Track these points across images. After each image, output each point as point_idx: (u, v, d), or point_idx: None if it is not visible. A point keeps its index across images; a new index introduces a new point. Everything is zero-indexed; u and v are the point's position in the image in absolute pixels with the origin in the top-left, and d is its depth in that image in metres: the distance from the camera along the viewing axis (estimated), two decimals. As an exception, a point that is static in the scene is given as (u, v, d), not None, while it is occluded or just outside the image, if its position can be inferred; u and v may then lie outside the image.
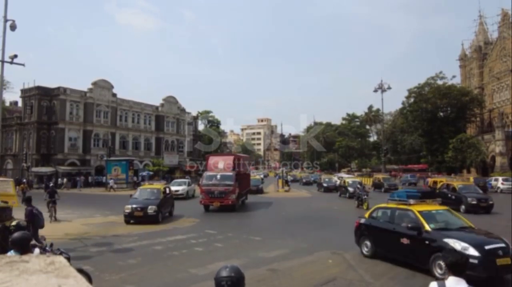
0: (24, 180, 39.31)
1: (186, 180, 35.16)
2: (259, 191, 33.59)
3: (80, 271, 6.96)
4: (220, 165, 21.84)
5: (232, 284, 2.65)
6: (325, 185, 37.77)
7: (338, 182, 37.33)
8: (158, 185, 19.77)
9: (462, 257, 3.35)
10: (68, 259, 6.50)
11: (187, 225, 16.46)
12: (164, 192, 18.50)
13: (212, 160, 22.88)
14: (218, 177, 20.59)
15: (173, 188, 25.07)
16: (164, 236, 13.60)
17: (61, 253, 6.53)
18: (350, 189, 27.93)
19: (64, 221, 17.27)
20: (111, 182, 39.65)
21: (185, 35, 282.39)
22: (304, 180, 52.82)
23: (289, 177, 46.94)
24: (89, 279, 6.85)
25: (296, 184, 51.65)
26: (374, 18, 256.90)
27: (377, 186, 37.98)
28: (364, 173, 64.25)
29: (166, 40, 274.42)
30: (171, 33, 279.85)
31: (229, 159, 22.63)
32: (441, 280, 3.42)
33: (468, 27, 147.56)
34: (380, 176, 41.72)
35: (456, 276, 3.28)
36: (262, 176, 53.96)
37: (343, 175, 49.21)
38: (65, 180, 43.40)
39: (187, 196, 29.52)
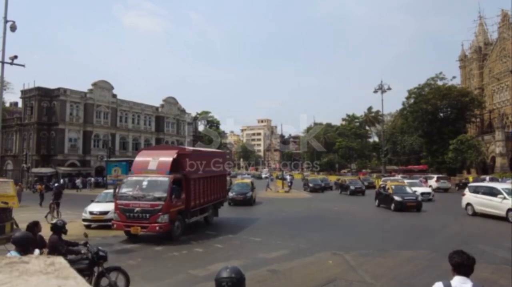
0: (25, 181, 39.32)
1: None
2: (247, 202, 24.20)
3: (118, 269, 7.24)
4: (152, 164, 13.82)
5: (232, 285, 2.65)
6: (352, 187, 32.95)
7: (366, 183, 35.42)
8: None
9: (469, 257, 3.37)
10: (106, 255, 6.95)
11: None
12: None
13: (142, 156, 14.76)
14: (144, 184, 13.13)
15: None
16: (164, 236, 13.57)
17: (98, 251, 6.89)
18: (397, 198, 21.15)
19: (64, 221, 17.19)
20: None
21: (186, 36, 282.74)
22: (311, 184, 39.15)
23: (288, 177, 42.45)
24: (127, 277, 7.21)
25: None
26: (374, 19, 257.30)
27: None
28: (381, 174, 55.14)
29: (166, 41, 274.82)
30: (172, 34, 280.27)
31: (167, 155, 14.20)
32: (446, 279, 3.43)
33: (468, 28, 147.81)
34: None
35: (462, 276, 3.32)
36: (264, 177, 50.86)
37: (389, 177, 40.33)
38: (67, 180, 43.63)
39: None
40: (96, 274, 6.92)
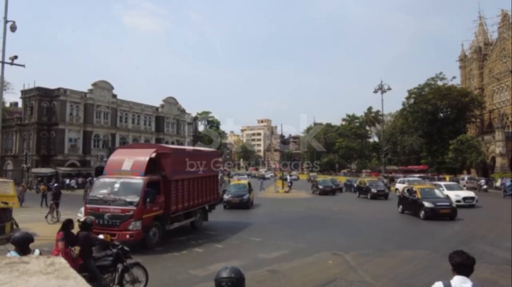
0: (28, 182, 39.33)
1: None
2: (244, 205, 22.34)
3: (138, 264, 7.49)
4: (126, 164, 12.44)
5: (232, 285, 2.66)
6: (373, 190, 29.38)
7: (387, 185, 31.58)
8: None
9: (469, 258, 3.38)
10: (128, 252, 7.29)
11: (187, 226, 16.42)
12: None
13: (116, 155, 13.43)
14: (116, 186, 11.89)
15: None
16: (164, 236, 13.57)
17: (122, 248, 7.28)
18: (427, 204, 17.81)
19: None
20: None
21: (186, 36, 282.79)
22: (321, 186, 34.39)
23: (288, 177, 42.24)
24: (146, 272, 7.54)
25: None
26: (374, 19, 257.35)
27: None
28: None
29: (166, 41, 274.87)
30: (172, 34, 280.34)
31: (144, 154, 12.76)
32: (446, 279, 3.45)
33: (468, 28, 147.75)
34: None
35: (462, 276, 3.34)
36: (263, 178, 50.14)
37: (406, 178, 36.94)
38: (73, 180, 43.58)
39: None
40: (120, 269, 7.24)
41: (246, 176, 57.63)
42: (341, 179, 49.30)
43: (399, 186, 32.57)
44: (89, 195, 12.37)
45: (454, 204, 18.89)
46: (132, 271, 7.36)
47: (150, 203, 11.62)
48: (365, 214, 20.45)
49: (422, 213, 17.92)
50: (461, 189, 26.54)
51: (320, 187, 34.07)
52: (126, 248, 7.41)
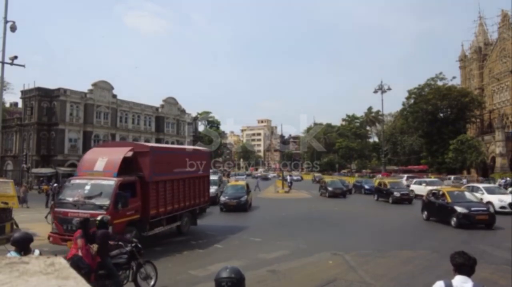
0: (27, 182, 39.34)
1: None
2: (241, 207, 21.09)
3: (148, 261, 7.75)
4: (99, 164, 11.40)
5: (232, 285, 2.66)
6: (396, 194, 25.63)
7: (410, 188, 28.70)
8: None
9: (470, 258, 3.40)
10: (141, 249, 7.61)
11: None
12: None
13: (90, 154, 12.51)
14: (86, 188, 11.00)
15: None
16: (164, 237, 13.58)
17: (135, 245, 7.59)
18: (460, 209, 15.42)
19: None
20: None
21: (186, 36, 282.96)
22: (330, 188, 31.28)
23: (288, 177, 41.69)
24: (155, 268, 7.91)
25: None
26: (374, 19, 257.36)
27: None
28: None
29: (167, 41, 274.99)
30: (173, 34, 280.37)
31: (118, 153, 11.74)
32: (447, 278, 3.47)
33: (468, 28, 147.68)
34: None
35: (463, 275, 3.37)
36: (258, 178, 48.22)
37: (423, 179, 33.18)
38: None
39: None
40: (135, 267, 7.52)
41: (244, 176, 55.53)
42: (348, 179, 48.06)
43: (416, 188, 29.84)
44: (59, 198, 11.45)
45: (494, 210, 16.94)
46: (145, 268, 7.70)
47: (122, 206, 10.53)
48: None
49: (453, 220, 15.42)
50: (504, 192, 22.16)
51: (330, 188, 31.16)
52: (139, 245, 7.73)
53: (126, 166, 11.46)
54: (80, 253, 6.76)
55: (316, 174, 63.57)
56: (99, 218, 7.64)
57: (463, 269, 3.38)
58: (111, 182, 10.71)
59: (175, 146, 23.71)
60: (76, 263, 6.56)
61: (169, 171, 12.89)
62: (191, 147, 22.65)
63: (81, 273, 6.59)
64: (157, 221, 12.27)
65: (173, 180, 13.05)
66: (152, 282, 7.81)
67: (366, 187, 34.37)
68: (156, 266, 7.98)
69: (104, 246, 7.08)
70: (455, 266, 3.44)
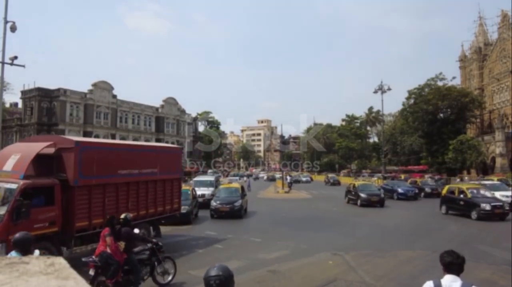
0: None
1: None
2: (235, 213, 18.48)
3: (168, 258, 8.22)
4: (9, 163, 9.07)
5: (220, 283, 2.68)
6: (486, 207, 17.60)
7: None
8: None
9: (458, 257, 3.41)
10: (162, 247, 8.06)
11: (187, 227, 16.43)
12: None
13: (6, 150, 10.54)
14: None
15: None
16: (164, 237, 13.57)
17: (156, 243, 8.13)
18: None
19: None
20: None
21: (187, 37, 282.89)
22: (363, 194, 24.11)
23: (288, 177, 41.17)
24: (174, 264, 8.44)
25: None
26: (373, 19, 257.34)
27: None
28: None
29: (168, 42, 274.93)
30: (174, 35, 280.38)
31: (32, 149, 9.28)
32: (436, 278, 3.49)
33: (468, 28, 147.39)
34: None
35: (452, 274, 3.38)
36: (246, 179, 47.28)
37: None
38: None
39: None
40: (156, 262, 7.96)
41: (237, 178, 48.92)
42: (348, 180, 45.58)
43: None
44: None
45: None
46: (163, 264, 8.11)
47: (23, 218, 8.01)
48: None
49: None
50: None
51: (363, 195, 23.90)
52: (160, 243, 8.24)
53: (46, 166, 9.40)
54: (108, 250, 6.99)
55: (330, 175, 58.39)
56: (122, 215, 7.82)
57: (452, 268, 3.40)
58: (12, 186, 8.33)
59: (127, 142, 20.44)
60: (106, 260, 6.87)
61: (110, 172, 10.35)
62: (155, 144, 18.96)
63: (111, 269, 6.52)
64: (88, 235, 9.63)
65: (117, 183, 10.51)
66: (169, 278, 8.17)
67: (400, 190, 28.20)
68: (175, 263, 8.45)
69: (130, 243, 7.39)
70: (444, 265, 3.47)
